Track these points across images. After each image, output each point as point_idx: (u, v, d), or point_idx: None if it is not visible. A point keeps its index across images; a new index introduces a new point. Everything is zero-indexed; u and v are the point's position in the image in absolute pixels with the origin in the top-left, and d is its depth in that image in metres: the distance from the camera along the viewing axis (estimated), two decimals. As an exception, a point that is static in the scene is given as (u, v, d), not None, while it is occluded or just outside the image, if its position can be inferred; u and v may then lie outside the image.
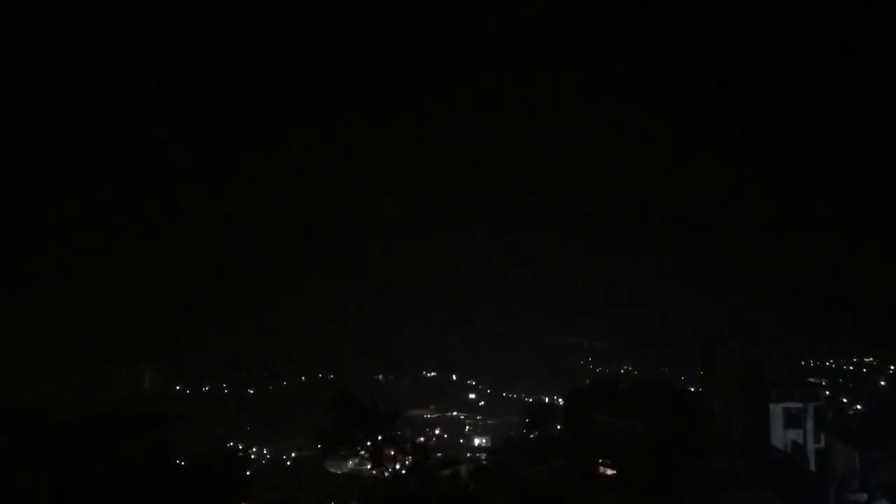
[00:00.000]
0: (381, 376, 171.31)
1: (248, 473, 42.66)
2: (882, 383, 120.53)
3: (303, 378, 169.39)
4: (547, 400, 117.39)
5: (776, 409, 53.06)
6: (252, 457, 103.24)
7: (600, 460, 47.95)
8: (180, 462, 37.31)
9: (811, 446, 52.56)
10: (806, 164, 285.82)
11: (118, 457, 33.22)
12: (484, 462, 59.75)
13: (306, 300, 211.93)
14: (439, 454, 72.50)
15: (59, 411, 40.33)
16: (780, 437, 52.79)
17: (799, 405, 53.58)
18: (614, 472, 46.89)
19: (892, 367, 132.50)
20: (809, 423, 52.82)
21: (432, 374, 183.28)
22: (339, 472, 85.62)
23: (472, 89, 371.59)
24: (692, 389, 72.07)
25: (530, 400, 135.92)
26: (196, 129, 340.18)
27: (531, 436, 52.73)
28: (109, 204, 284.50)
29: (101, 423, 37.36)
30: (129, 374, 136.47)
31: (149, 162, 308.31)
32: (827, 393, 71.57)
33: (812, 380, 76.89)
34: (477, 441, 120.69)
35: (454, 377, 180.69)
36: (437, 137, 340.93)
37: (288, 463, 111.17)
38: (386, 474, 40.85)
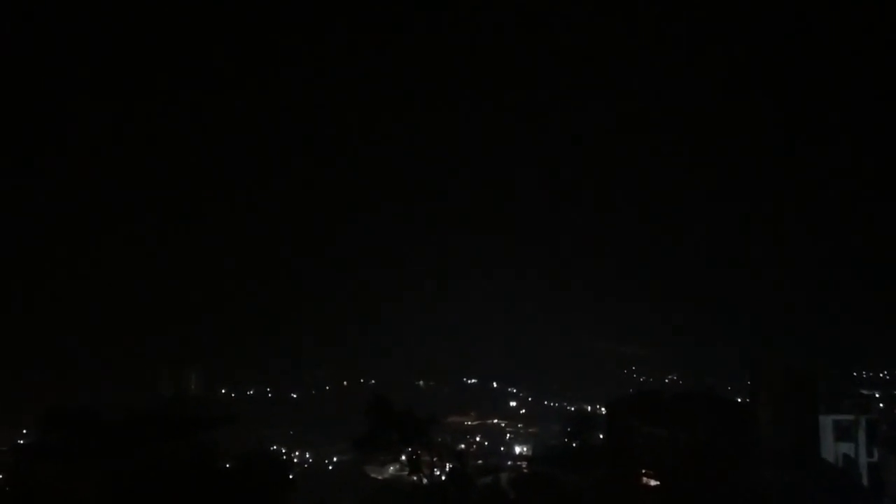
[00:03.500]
0: (422, 382, 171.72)
1: (290, 477, 43.05)
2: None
3: (345, 383, 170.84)
4: (589, 408, 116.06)
5: (826, 421, 51.47)
6: (294, 460, 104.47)
7: (643, 471, 47.18)
8: (224, 464, 37.84)
9: (863, 460, 50.76)
10: (862, 173, 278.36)
11: (164, 457, 33.90)
12: (524, 470, 59.26)
13: (350, 306, 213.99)
14: (479, 461, 72.17)
15: (107, 412, 41.27)
16: (831, 450, 51.21)
17: (850, 417, 51.86)
18: (658, 483, 46.10)
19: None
20: (862, 436, 51.01)
21: (473, 380, 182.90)
22: (379, 477, 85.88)
23: (503, 90, 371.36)
24: (739, 400, 70.55)
25: (572, 408, 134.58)
26: (237, 136, 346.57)
27: (573, 444, 52.05)
28: (161, 211, 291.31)
29: (148, 425, 38.17)
30: (176, 377, 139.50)
31: (199, 174, 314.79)
32: (881, 405, 69.21)
33: (864, 391, 74.51)
34: (518, 449, 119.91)
35: (495, 384, 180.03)
36: (484, 140, 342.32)
37: (329, 467, 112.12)
38: (424, 481, 40.77)
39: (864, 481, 49.97)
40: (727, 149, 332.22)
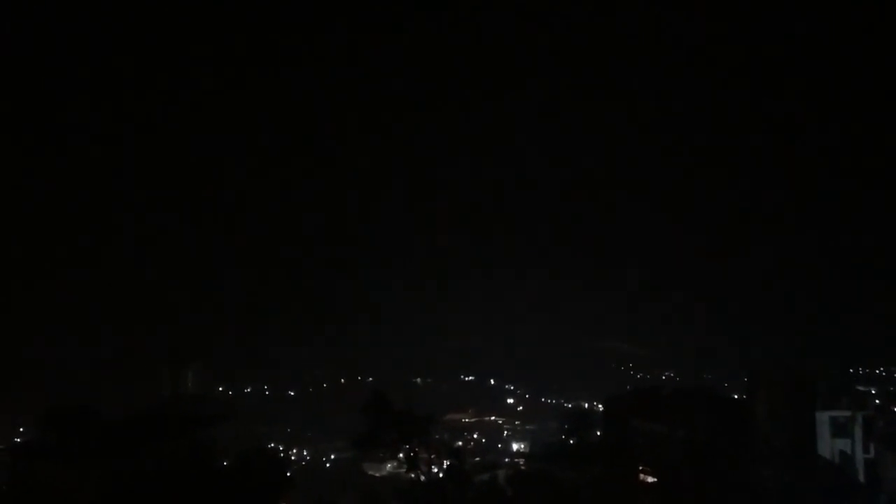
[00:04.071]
0: (419, 379, 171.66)
1: (288, 474, 43.04)
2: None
3: (342, 381, 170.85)
4: (587, 405, 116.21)
5: (823, 418, 51.56)
6: (292, 458, 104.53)
7: (641, 467, 47.23)
8: (222, 462, 37.84)
9: (860, 456, 50.83)
10: (862, 173, 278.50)
11: (162, 456, 33.91)
12: (522, 467, 59.33)
13: (347, 305, 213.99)
14: (477, 458, 72.29)
15: (106, 411, 41.29)
16: (827, 446, 51.29)
17: (847, 413, 51.88)
18: (655, 479, 46.15)
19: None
20: (858, 433, 51.05)
21: (470, 377, 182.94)
22: (377, 474, 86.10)
23: (503, 90, 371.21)
24: (736, 397, 70.74)
25: (569, 405, 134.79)
26: (237, 136, 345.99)
27: (570, 441, 52.10)
28: (161, 211, 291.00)
29: (146, 423, 38.19)
30: (175, 376, 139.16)
31: (199, 173, 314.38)
32: (877, 401, 69.33)
33: (861, 388, 74.67)
34: (515, 446, 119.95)
35: (492, 381, 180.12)
36: (484, 140, 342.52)
37: (327, 465, 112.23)
38: (422, 478, 40.73)
39: (861, 478, 50.08)
40: (727, 149, 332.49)
